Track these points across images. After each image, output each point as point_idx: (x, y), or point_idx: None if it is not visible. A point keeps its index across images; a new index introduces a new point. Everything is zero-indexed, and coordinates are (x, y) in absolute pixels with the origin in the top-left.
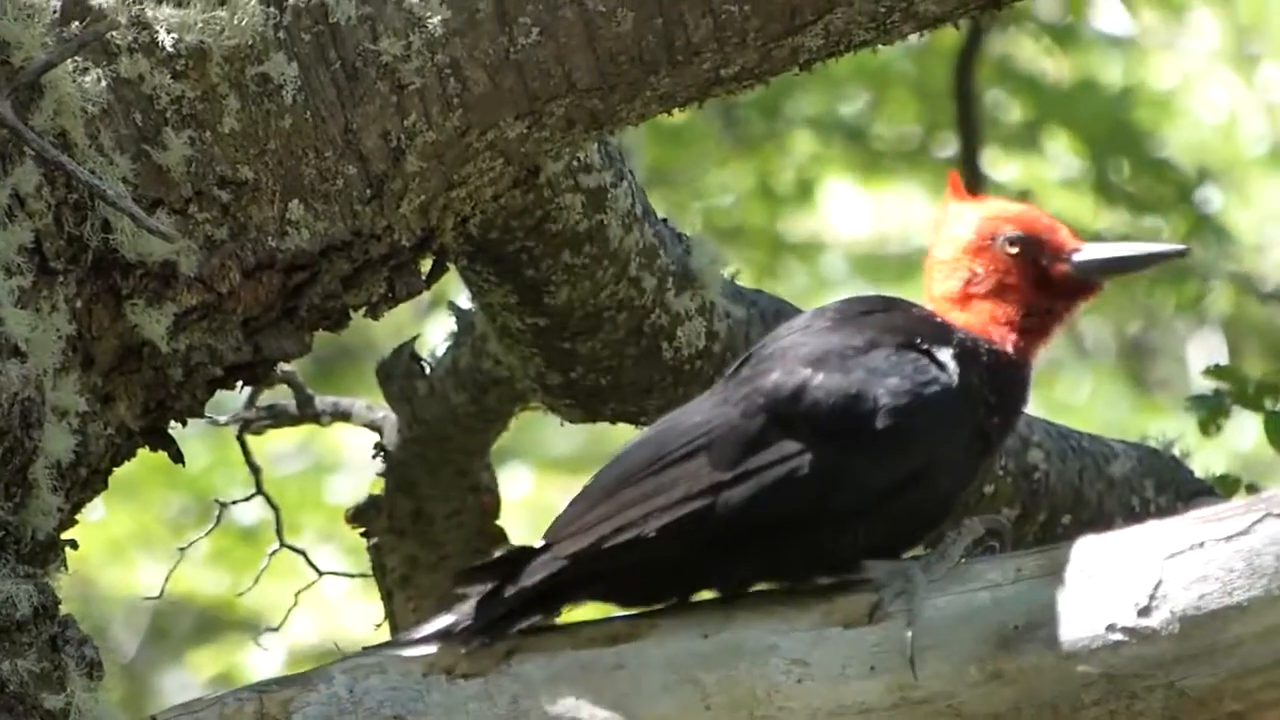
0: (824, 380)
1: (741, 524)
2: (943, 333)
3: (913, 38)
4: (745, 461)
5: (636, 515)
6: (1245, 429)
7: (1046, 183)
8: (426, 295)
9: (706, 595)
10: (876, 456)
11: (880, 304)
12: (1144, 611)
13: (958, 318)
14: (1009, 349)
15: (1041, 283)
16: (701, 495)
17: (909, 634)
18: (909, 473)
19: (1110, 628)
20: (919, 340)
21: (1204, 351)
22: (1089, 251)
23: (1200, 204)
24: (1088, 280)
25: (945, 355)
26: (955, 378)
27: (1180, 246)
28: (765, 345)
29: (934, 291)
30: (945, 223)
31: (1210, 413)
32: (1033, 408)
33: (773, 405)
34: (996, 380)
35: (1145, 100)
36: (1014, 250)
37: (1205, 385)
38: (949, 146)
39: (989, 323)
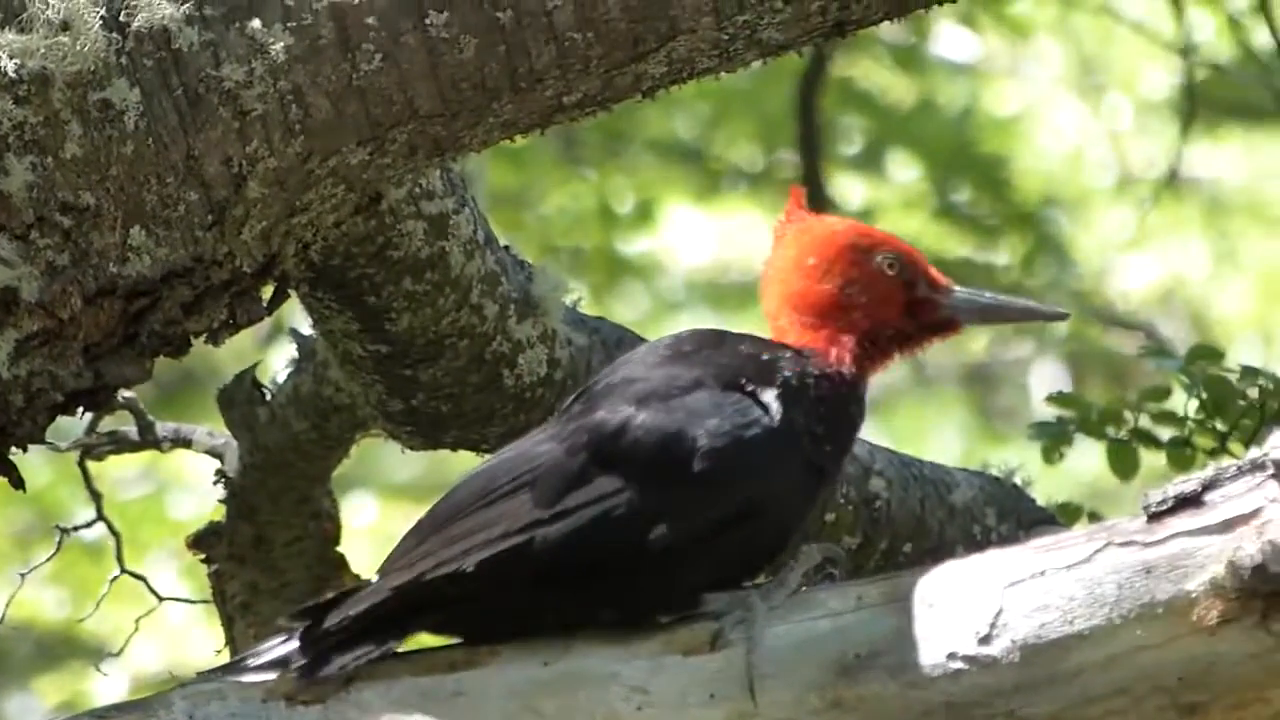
0: (645, 419)
1: (561, 562)
2: (770, 370)
3: (761, 64)
4: (565, 499)
5: (459, 550)
6: (1089, 456)
7: (888, 204)
8: (270, 322)
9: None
10: (695, 496)
11: (712, 340)
12: (985, 640)
13: (805, 328)
14: (845, 371)
15: (911, 308)
16: (520, 532)
17: (748, 661)
18: (731, 512)
19: (951, 656)
20: (744, 380)
21: (1046, 380)
22: (966, 294)
23: (1044, 227)
24: (954, 319)
25: (769, 396)
26: (777, 419)
27: (1060, 310)
28: (599, 380)
29: (788, 290)
30: (804, 230)
31: (1052, 440)
32: (875, 436)
33: (596, 443)
34: (827, 409)
35: (988, 124)
36: (891, 270)
37: (1048, 413)
38: (791, 169)
39: (839, 335)
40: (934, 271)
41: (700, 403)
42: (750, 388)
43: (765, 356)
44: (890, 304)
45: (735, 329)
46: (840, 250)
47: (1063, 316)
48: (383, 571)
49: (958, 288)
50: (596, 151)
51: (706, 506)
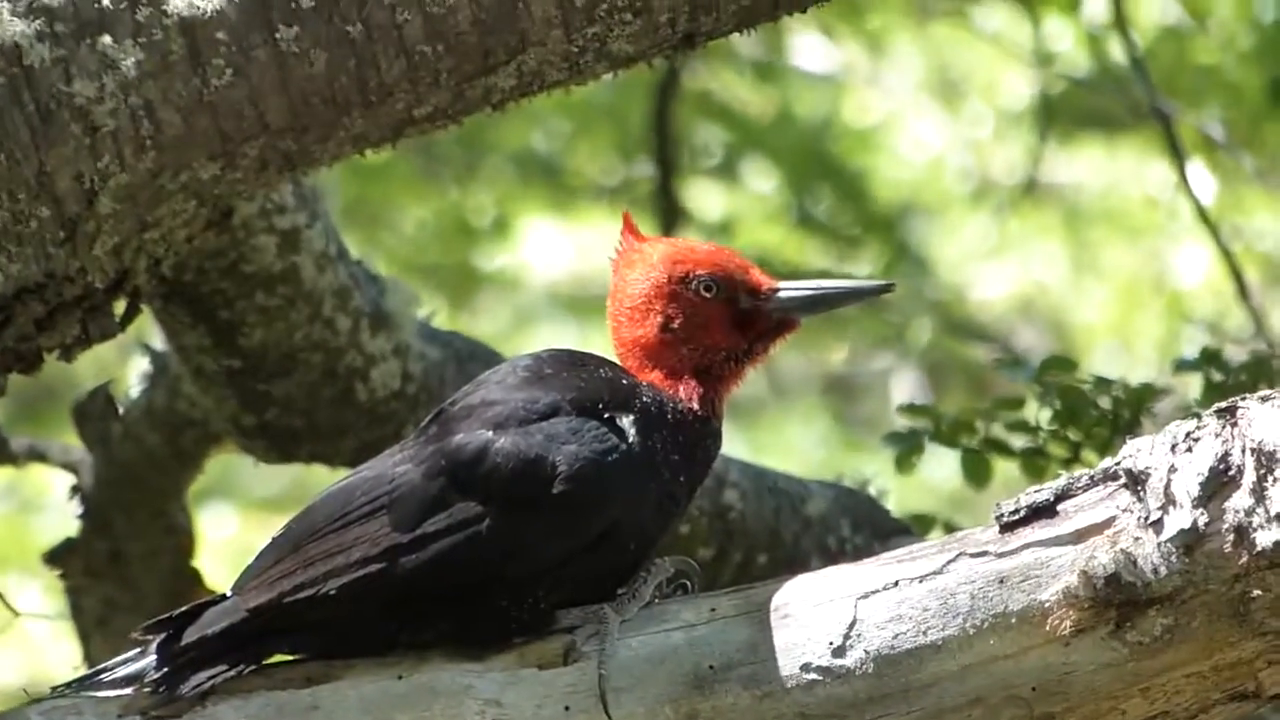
0: (504, 444)
1: (420, 587)
2: (627, 396)
3: (611, 76)
4: (423, 524)
5: (318, 573)
6: (946, 467)
7: (747, 216)
8: (132, 335)
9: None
10: (553, 523)
11: (570, 362)
12: (839, 651)
13: (645, 370)
14: (696, 405)
15: (739, 324)
16: (379, 558)
17: (600, 674)
18: (587, 539)
19: (805, 667)
20: (602, 405)
21: (907, 390)
22: (788, 289)
23: (904, 235)
24: (786, 318)
25: (626, 422)
26: (635, 446)
27: (884, 282)
28: (456, 400)
29: (622, 337)
30: (627, 263)
31: (905, 450)
32: (734, 447)
33: (453, 467)
34: (682, 440)
35: (848, 134)
36: (709, 293)
37: (904, 424)
38: (649, 181)
39: (678, 373)
40: (754, 276)
41: (558, 428)
42: (608, 414)
43: (624, 382)
44: (715, 327)
45: (593, 344)
46: (652, 290)
47: (888, 288)
48: (238, 588)
49: (781, 284)
50: (455, 166)
51: (564, 532)
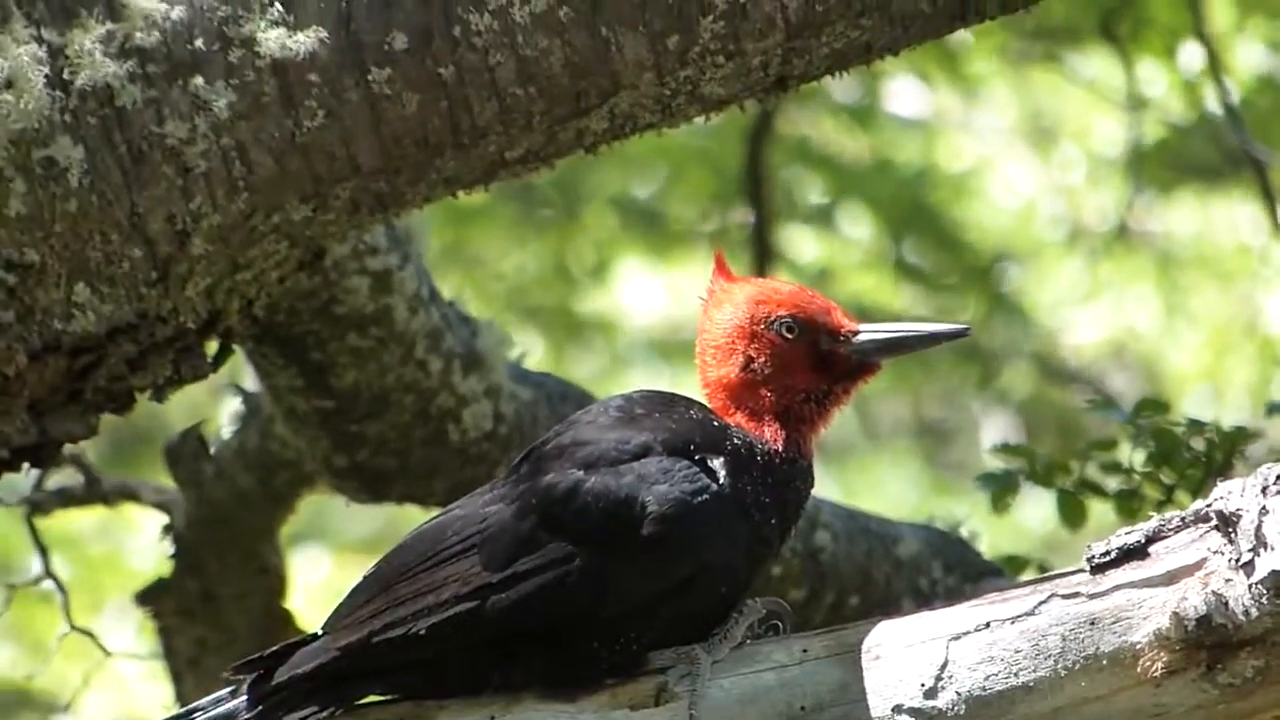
0: (594, 484)
1: (510, 627)
2: (717, 438)
3: (703, 119)
4: (514, 564)
5: (407, 613)
6: (1041, 509)
7: (844, 262)
8: (224, 376)
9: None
10: (643, 564)
11: (661, 403)
12: (930, 693)
13: (730, 411)
14: (781, 446)
15: (820, 365)
16: (470, 597)
17: (691, 715)
18: (678, 580)
19: (897, 709)
20: (692, 446)
21: (999, 434)
22: (867, 332)
23: (998, 283)
24: (866, 361)
25: (717, 464)
26: (726, 487)
27: (961, 326)
28: (548, 440)
29: (707, 377)
30: (715, 303)
31: (999, 491)
32: (825, 488)
33: (544, 506)
34: (772, 482)
35: (941, 181)
36: (790, 334)
37: (997, 465)
38: (745, 226)
39: (761, 414)
40: (835, 317)
41: (649, 468)
42: (699, 454)
43: (715, 423)
44: (797, 369)
45: (685, 387)
46: (735, 330)
47: (964, 333)
48: (328, 628)
49: (862, 327)
50: (555, 210)
51: (655, 572)
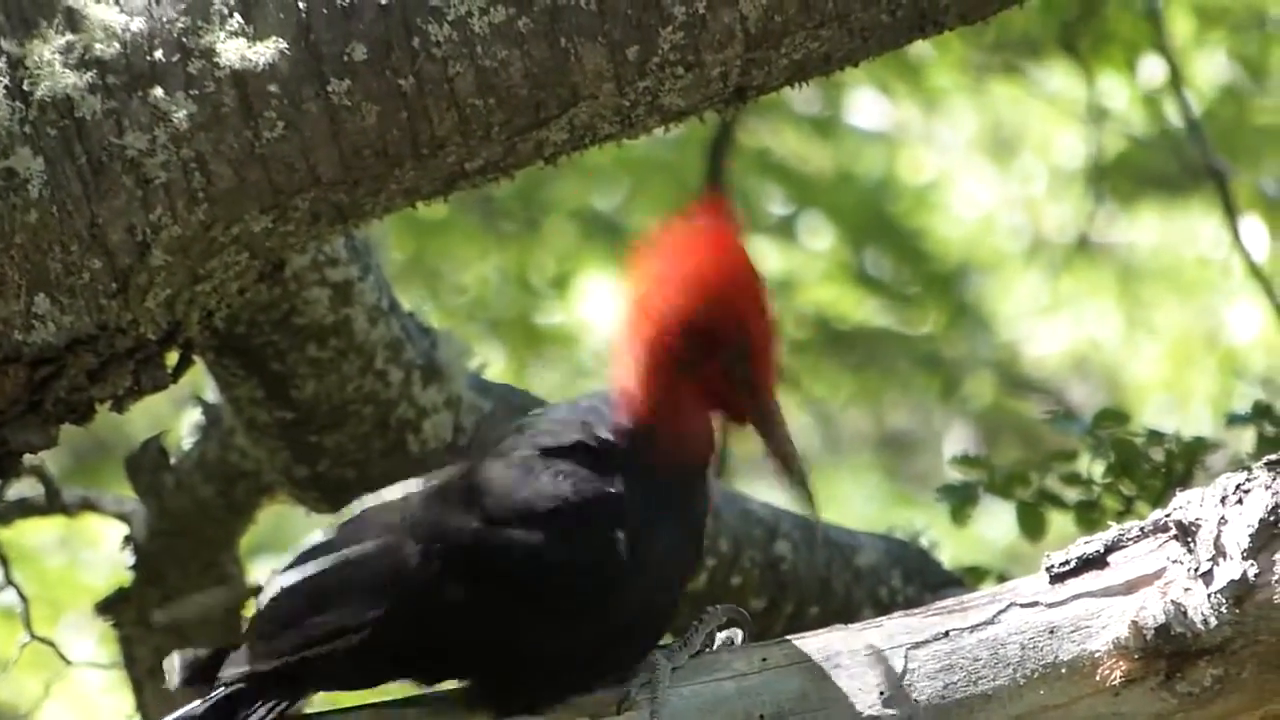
0: (497, 543)
1: (423, 661)
2: (627, 469)
3: (663, 130)
4: (420, 606)
5: (320, 637)
6: (1002, 521)
7: (805, 273)
8: (185, 387)
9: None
10: (548, 621)
11: (577, 425)
12: (890, 701)
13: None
14: (693, 451)
15: (725, 400)
16: (377, 632)
17: None
18: (588, 625)
19: (856, 717)
20: (601, 486)
21: (961, 445)
22: (767, 417)
23: (958, 295)
24: (746, 422)
25: (625, 487)
26: (630, 541)
27: (813, 513)
28: (458, 476)
29: (630, 367)
30: (681, 299)
31: (959, 502)
32: (784, 499)
33: (448, 552)
34: (682, 499)
35: (903, 193)
36: (731, 367)
37: (958, 476)
38: None
39: (678, 415)
40: (769, 385)
41: (553, 520)
42: (610, 490)
43: (621, 451)
44: (709, 390)
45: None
46: (708, 319)
47: (811, 510)
48: (248, 639)
49: (774, 405)
50: (515, 222)
51: (561, 628)
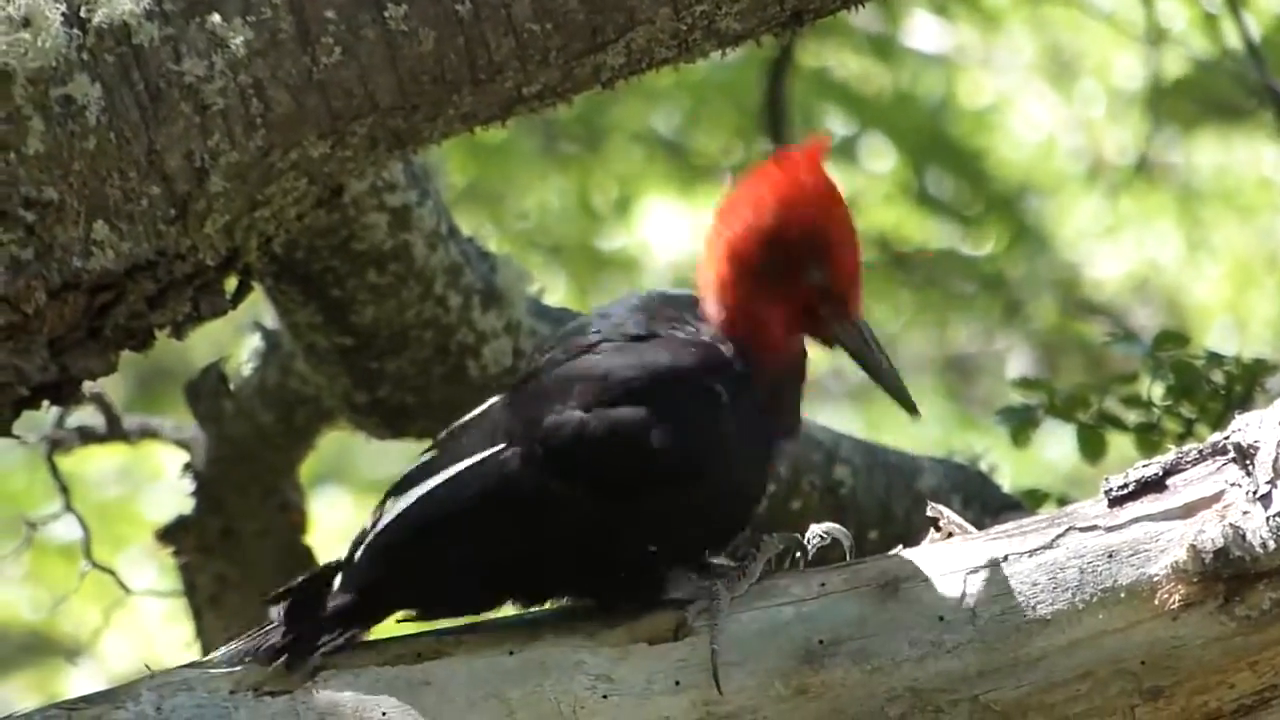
0: (597, 426)
1: (526, 569)
2: (720, 359)
3: (720, 54)
4: (523, 509)
5: (428, 550)
6: (1065, 445)
7: (867, 195)
8: (247, 314)
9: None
10: (651, 497)
11: (663, 316)
12: (948, 626)
13: (730, 312)
14: (780, 350)
15: (805, 317)
16: (483, 539)
17: (713, 649)
18: (688, 511)
19: (914, 642)
20: (697, 371)
21: (1023, 368)
22: (859, 335)
23: (1020, 216)
24: (831, 341)
25: (721, 388)
26: (728, 412)
27: (914, 404)
28: (548, 369)
29: (715, 271)
30: (761, 215)
31: (1020, 425)
32: (849, 425)
33: (548, 452)
34: (772, 393)
35: (963, 115)
36: (814, 284)
37: (1020, 398)
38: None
39: (765, 330)
40: (854, 299)
41: (654, 401)
42: (705, 380)
43: (715, 340)
44: (787, 305)
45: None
46: (798, 233)
47: (912, 411)
48: (349, 563)
49: (864, 322)
50: (577, 146)
51: (665, 510)
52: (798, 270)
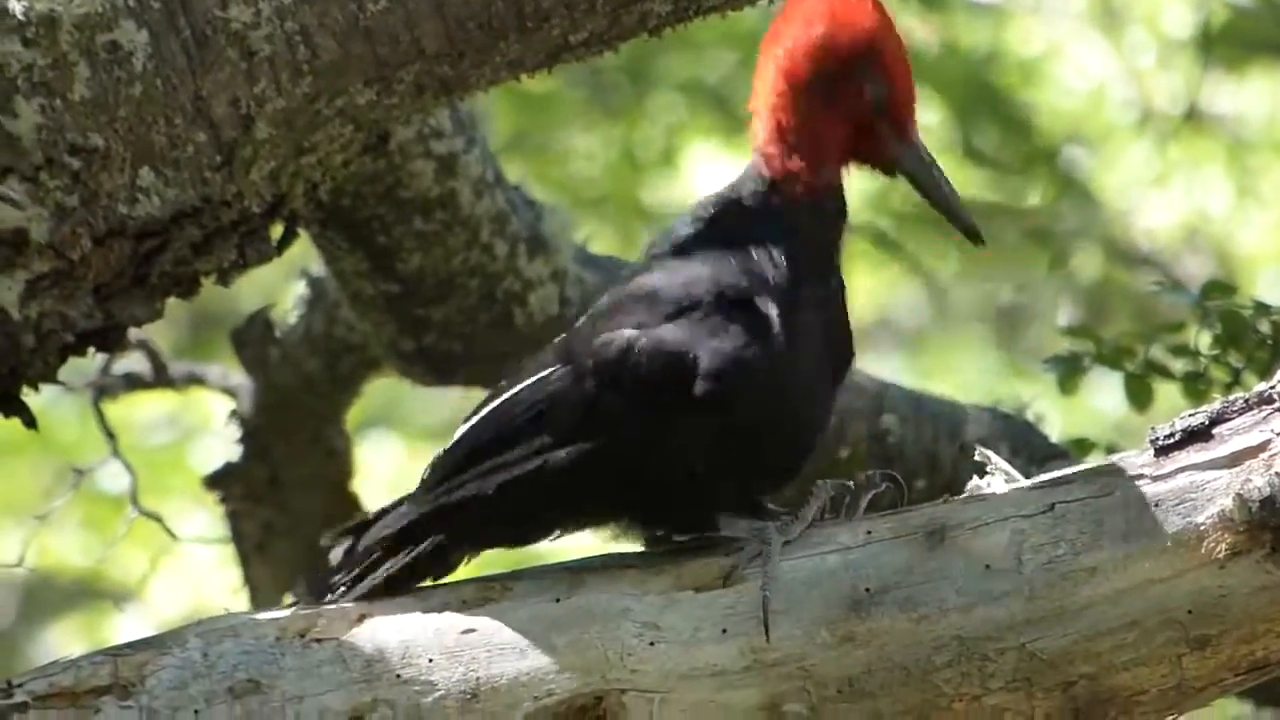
0: (645, 343)
1: (578, 487)
2: (771, 272)
3: (768, 1)
4: (574, 426)
5: (481, 478)
6: (1114, 394)
7: None
8: (294, 261)
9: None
10: (701, 419)
11: (714, 227)
12: (994, 575)
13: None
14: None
15: (861, 137)
16: (535, 456)
17: (764, 596)
18: (736, 434)
19: (960, 590)
20: (748, 287)
21: (1073, 318)
22: (918, 154)
23: (1067, 167)
24: (892, 165)
25: (771, 308)
26: (780, 331)
27: (974, 226)
28: (607, 294)
29: (766, 97)
30: (811, 27)
31: (1068, 373)
32: (894, 373)
33: (598, 367)
34: (812, 251)
35: (1011, 65)
36: (866, 97)
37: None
38: None
39: (811, 149)
40: (909, 117)
41: (703, 321)
42: (755, 296)
43: (761, 245)
44: (844, 123)
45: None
46: (844, 50)
47: (973, 235)
48: (410, 498)
49: (921, 144)
50: (623, 96)
51: (712, 428)
52: (854, 83)
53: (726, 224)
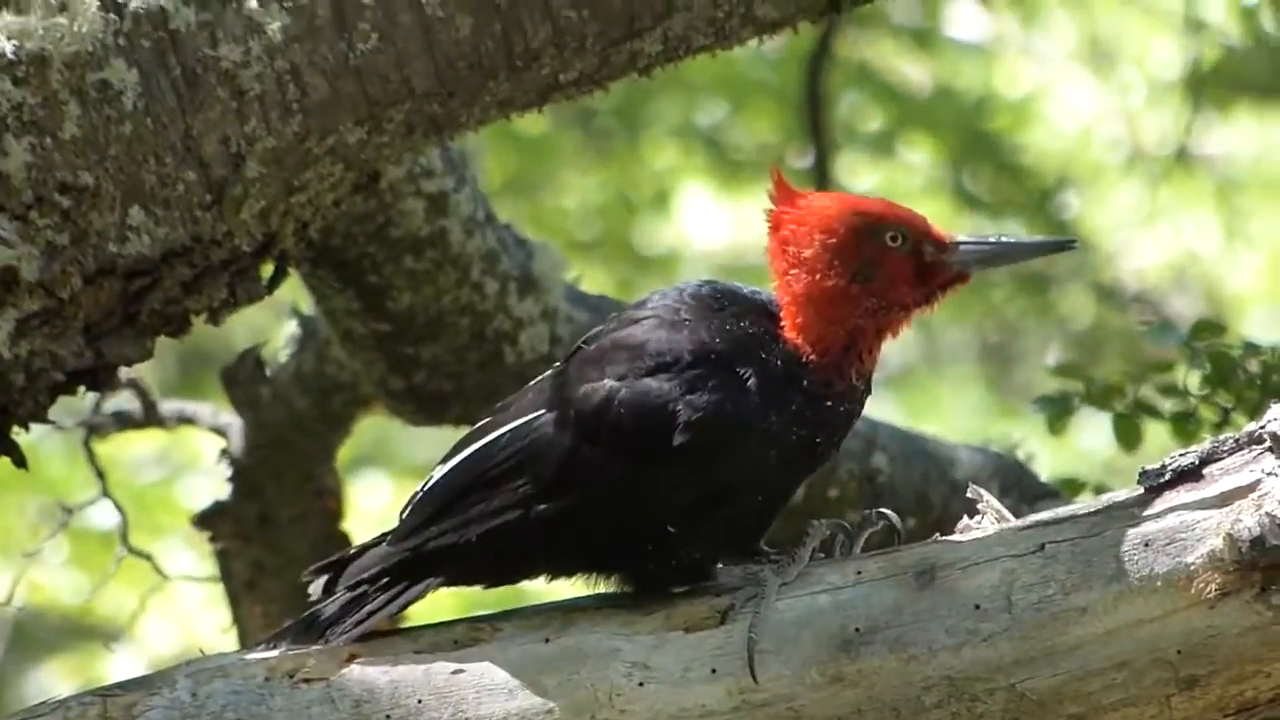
0: (625, 395)
1: (558, 536)
2: (755, 348)
3: (757, 42)
4: (557, 475)
5: (462, 521)
6: (1102, 435)
7: (903, 188)
8: (287, 299)
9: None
10: (674, 473)
11: (708, 305)
12: (984, 614)
13: (808, 325)
14: (836, 367)
15: (921, 276)
16: (516, 506)
17: (750, 638)
18: (709, 489)
19: (950, 630)
20: (730, 355)
21: (1061, 357)
22: (969, 243)
23: (1058, 210)
24: (963, 274)
25: (750, 376)
26: (755, 399)
27: (1065, 239)
28: (592, 339)
29: (793, 289)
30: (796, 218)
31: (1057, 413)
32: (887, 411)
33: (580, 418)
34: (813, 400)
35: (1002, 107)
36: (894, 243)
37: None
38: (808, 155)
39: (838, 330)
40: (936, 230)
41: (683, 378)
42: (736, 366)
43: (755, 332)
44: (901, 280)
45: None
46: (845, 236)
47: (1070, 245)
48: (390, 539)
49: (962, 237)
50: (616, 139)
51: (686, 482)
52: (879, 249)
53: (736, 310)
